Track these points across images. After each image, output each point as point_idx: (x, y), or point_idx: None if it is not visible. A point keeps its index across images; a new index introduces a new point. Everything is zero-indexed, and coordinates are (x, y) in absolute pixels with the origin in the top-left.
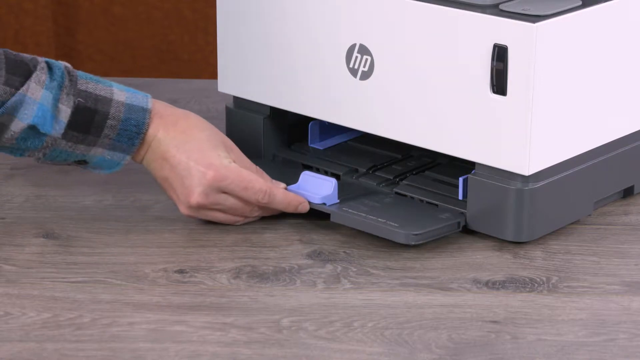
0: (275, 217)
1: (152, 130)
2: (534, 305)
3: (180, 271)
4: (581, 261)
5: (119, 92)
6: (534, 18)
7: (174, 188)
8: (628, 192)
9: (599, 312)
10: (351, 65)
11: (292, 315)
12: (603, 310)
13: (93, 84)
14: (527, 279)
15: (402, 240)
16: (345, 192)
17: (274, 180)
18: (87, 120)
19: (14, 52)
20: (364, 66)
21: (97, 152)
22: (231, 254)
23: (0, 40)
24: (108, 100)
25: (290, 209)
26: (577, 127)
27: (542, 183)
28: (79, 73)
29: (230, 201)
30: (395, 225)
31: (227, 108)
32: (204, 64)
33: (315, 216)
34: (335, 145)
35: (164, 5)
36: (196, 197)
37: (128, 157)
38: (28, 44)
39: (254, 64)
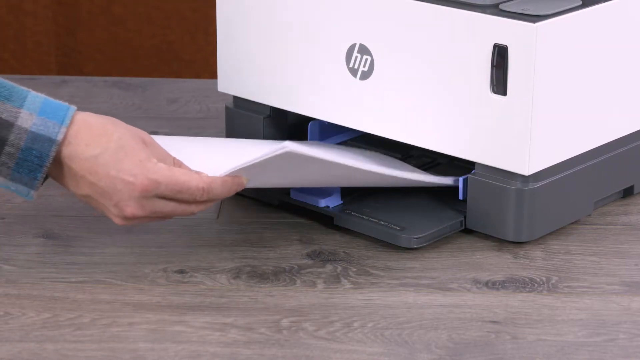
0: (275, 217)
1: (63, 151)
2: (534, 305)
3: (180, 271)
4: (581, 261)
5: (27, 116)
6: (534, 18)
7: (101, 204)
8: (628, 192)
9: (599, 312)
10: (351, 65)
11: (292, 316)
12: (603, 310)
13: None
14: (527, 279)
15: (404, 244)
16: (347, 191)
17: (197, 171)
18: None
19: None
20: (364, 66)
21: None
22: (231, 254)
23: (1, 40)
24: (9, 125)
25: (230, 195)
26: (577, 127)
27: (542, 183)
28: None
29: (168, 207)
30: (397, 228)
31: (227, 108)
32: (204, 64)
33: (316, 216)
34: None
35: (164, 5)
36: (131, 211)
37: (33, 192)
38: (28, 44)
39: (253, 64)
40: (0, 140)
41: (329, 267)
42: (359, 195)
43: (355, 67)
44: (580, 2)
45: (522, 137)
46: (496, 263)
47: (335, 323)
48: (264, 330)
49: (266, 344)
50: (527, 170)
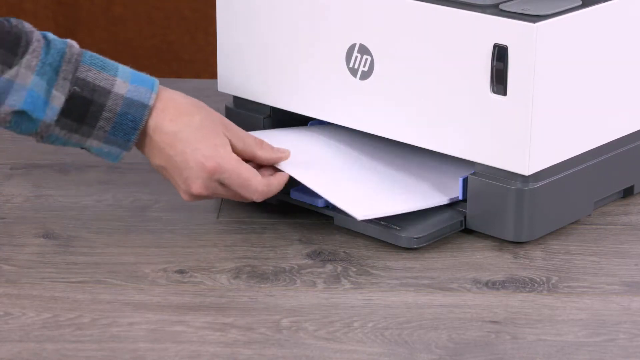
0: (275, 217)
1: (149, 121)
2: (534, 305)
3: (180, 271)
4: (581, 261)
5: (121, 84)
6: (534, 18)
7: (173, 177)
8: (628, 192)
9: (599, 312)
10: (351, 65)
11: (292, 316)
12: (603, 310)
13: (95, 72)
14: (527, 279)
15: (404, 244)
16: None
17: (279, 149)
18: (82, 110)
19: (11, 23)
20: (364, 66)
21: (94, 144)
22: (231, 254)
23: None
24: (106, 92)
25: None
26: (577, 127)
27: (542, 183)
28: (85, 56)
29: (228, 194)
30: (397, 228)
31: (227, 108)
32: (204, 64)
33: (316, 216)
34: None
35: (164, 5)
36: (197, 188)
37: (124, 153)
38: None
39: (254, 64)
40: (99, 105)
41: (329, 267)
42: None
43: (355, 67)
44: (580, 2)
45: (522, 137)
46: (496, 263)
47: (335, 323)
48: (264, 330)
49: (266, 344)
50: (527, 170)
